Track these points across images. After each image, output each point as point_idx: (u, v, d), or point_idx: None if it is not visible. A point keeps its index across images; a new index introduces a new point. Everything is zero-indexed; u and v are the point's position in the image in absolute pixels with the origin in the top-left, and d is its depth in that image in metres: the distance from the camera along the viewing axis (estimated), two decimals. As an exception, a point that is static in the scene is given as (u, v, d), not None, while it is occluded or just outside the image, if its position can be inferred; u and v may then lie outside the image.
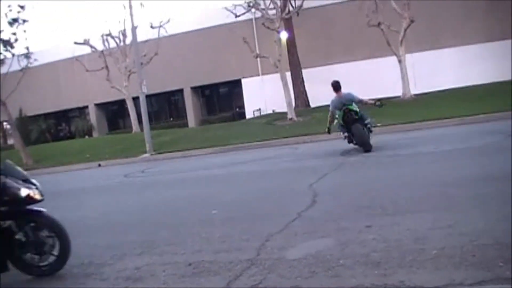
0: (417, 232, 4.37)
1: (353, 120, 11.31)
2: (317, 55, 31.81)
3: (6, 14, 28.15)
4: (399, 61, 24.66)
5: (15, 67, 28.32)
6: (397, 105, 22.75)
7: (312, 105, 29.37)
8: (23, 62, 29.12)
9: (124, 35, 32.56)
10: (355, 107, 11.58)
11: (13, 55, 28.79)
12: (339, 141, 11.91)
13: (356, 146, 11.52)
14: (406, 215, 5.07)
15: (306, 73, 30.05)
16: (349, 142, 11.69)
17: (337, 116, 11.88)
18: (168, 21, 32.86)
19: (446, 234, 4.23)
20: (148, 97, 25.65)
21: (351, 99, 11.76)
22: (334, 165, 9.80)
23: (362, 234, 4.53)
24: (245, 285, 3.68)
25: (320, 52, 32.02)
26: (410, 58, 25.70)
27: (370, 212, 5.37)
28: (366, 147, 11.20)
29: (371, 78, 29.25)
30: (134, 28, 23.38)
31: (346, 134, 11.68)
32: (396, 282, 3.32)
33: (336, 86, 12.12)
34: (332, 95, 12.23)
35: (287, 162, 12.41)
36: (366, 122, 11.54)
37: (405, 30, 24.35)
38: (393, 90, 25.99)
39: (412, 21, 23.94)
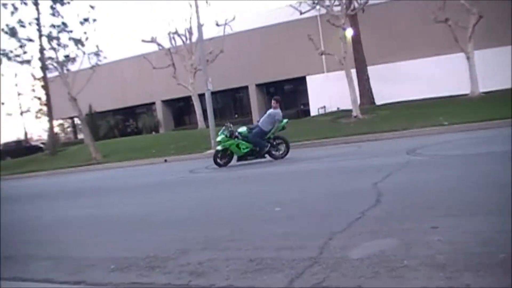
0: (484, 235, 4.24)
1: None
2: (383, 52, 31.36)
3: (78, 14, 29.24)
4: (467, 58, 23.97)
5: (86, 64, 29.33)
6: (464, 104, 22.13)
7: (377, 102, 28.98)
8: (93, 60, 30.16)
9: (190, 33, 33.10)
10: None
11: (84, 53, 29.84)
12: (404, 140, 11.71)
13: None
14: (472, 217, 4.94)
15: (371, 70, 29.68)
16: None
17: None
18: (234, 18, 33.18)
19: (514, 237, 4.10)
20: (213, 94, 25.97)
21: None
22: (399, 164, 9.64)
23: (427, 235, 4.44)
24: (308, 283, 3.68)
25: (385, 49, 31.56)
26: (479, 55, 24.86)
27: (436, 213, 5.25)
28: None
29: (438, 76, 28.60)
30: (200, 26, 23.72)
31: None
32: (462, 285, 3.24)
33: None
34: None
35: (351, 160, 12.30)
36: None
37: (474, 26, 23.62)
38: (460, 88, 25.29)
39: (481, 17, 23.21)
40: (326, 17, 26.69)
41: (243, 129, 14.76)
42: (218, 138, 14.74)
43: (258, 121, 14.93)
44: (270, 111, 14.71)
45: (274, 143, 14.56)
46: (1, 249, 6.20)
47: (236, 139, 14.48)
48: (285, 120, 14.93)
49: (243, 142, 14.40)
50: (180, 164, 18.92)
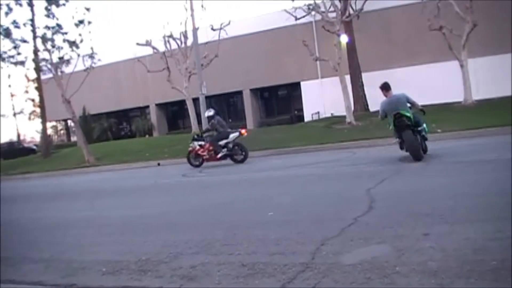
0: (477, 242, 4.26)
1: (405, 126, 10.86)
2: (377, 58, 31.44)
3: (73, 16, 29.18)
4: (461, 66, 24.03)
5: (80, 67, 29.26)
6: (458, 111, 22.20)
7: (371, 109, 29.01)
8: (88, 62, 30.07)
9: (185, 36, 33.08)
10: (407, 111, 11.09)
11: (78, 55, 29.77)
12: (398, 147, 11.71)
13: (407, 153, 11.04)
14: (465, 224, 4.95)
15: (365, 76, 29.71)
16: (401, 148, 11.41)
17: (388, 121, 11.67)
18: (229, 23, 33.16)
19: (506, 245, 4.10)
20: (207, 98, 26.01)
21: (404, 102, 11.31)
22: (392, 170, 9.67)
23: (420, 242, 4.46)
24: (299, 289, 3.69)
25: (380, 55, 31.65)
26: (473, 63, 24.94)
27: (429, 220, 5.27)
28: (416, 157, 10.64)
29: (432, 83, 28.70)
30: (195, 30, 23.76)
31: (398, 139, 11.41)
32: (454, 292, 3.26)
33: (385, 86, 11.97)
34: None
35: (345, 167, 12.32)
36: (420, 128, 11.13)
37: (468, 34, 23.72)
38: (454, 95, 25.37)
39: (475, 25, 23.31)
40: (321, 23, 26.71)
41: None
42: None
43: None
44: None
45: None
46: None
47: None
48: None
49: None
50: (173, 168, 18.88)
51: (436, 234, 4.65)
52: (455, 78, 25.02)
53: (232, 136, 16.31)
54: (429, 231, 4.77)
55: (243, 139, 16.36)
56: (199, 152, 16.62)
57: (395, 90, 11.96)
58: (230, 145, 16.28)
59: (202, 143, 16.69)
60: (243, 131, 16.71)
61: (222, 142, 16.27)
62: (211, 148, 16.42)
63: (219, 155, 16.07)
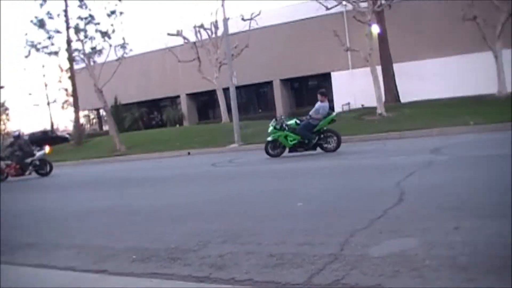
0: (507, 237, 4.19)
1: None
2: (409, 49, 31.07)
3: (105, 7, 29.51)
4: (495, 57, 23.58)
5: (112, 57, 29.59)
6: (491, 103, 21.81)
7: (403, 100, 28.71)
8: (119, 52, 30.42)
9: (216, 27, 33.15)
10: None
11: (110, 45, 30.11)
12: (428, 139, 11.58)
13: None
14: (496, 219, 4.87)
15: (397, 67, 29.38)
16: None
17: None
18: (259, 13, 33.13)
19: (540, 240, 4.04)
20: (238, 88, 26.02)
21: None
22: (423, 163, 9.56)
23: (450, 236, 4.40)
24: (327, 280, 3.68)
25: (411, 46, 31.27)
26: (507, 54, 24.42)
27: (459, 213, 5.20)
28: None
29: (464, 74, 28.25)
30: (225, 20, 23.75)
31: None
32: (484, 288, 3.22)
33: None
34: None
35: (375, 158, 12.23)
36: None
37: (503, 24, 23.24)
38: (487, 87, 24.90)
39: (510, 15, 22.83)
40: (352, 13, 26.48)
41: (291, 121, 15.10)
42: (269, 130, 15.11)
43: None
44: (317, 104, 14.96)
45: (323, 136, 14.66)
46: (21, 238, 6.32)
47: (284, 131, 14.71)
48: (334, 113, 15.26)
49: (291, 134, 14.64)
50: (203, 157, 19.00)
51: (466, 228, 4.59)
52: (489, 69, 24.55)
53: (39, 154, 18.35)
54: (459, 225, 4.70)
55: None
56: (6, 170, 18.01)
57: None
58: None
59: None
60: (47, 149, 19.01)
61: (29, 160, 18.04)
62: (17, 166, 17.97)
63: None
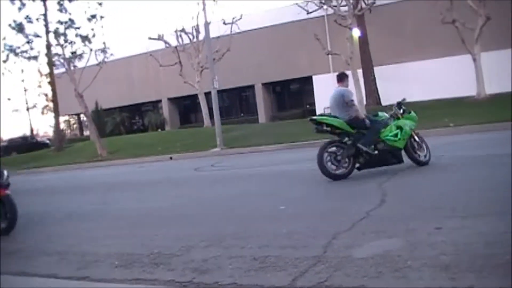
0: (489, 236, 4.23)
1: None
2: (389, 52, 31.25)
3: (85, 11, 29.34)
4: (474, 60, 23.86)
5: (92, 61, 29.40)
6: (470, 105, 22.06)
7: (384, 103, 28.87)
8: (100, 57, 30.23)
9: (197, 31, 33.10)
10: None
11: (91, 50, 29.91)
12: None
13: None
14: (477, 218, 4.93)
15: (377, 70, 29.60)
16: None
17: None
18: (241, 17, 33.14)
19: (519, 239, 4.08)
20: (219, 92, 25.97)
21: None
22: (404, 164, 9.62)
23: (432, 236, 4.44)
24: (311, 282, 3.69)
25: (392, 49, 31.45)
26: (486, 57, 24.72)
27: (440, 213, 5.25)
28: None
29: (444, 77, 28.49)
30: (207, 24, 23.72)
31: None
32: (465, 287, 3.25)
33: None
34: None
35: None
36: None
37: (481, 27, 23.53)
38: (466, 89, 25.19)
39: (488, 19, 23.11)
40: (333, 17, 26.61)
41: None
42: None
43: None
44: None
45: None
46: (2, 244, 6.24)
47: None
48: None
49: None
50: (186, 161, 18.94)
51: (448, 228, 4.63)
52: (468, 72, 24.83)
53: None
54: (441, 225, 4.74)
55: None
56: None
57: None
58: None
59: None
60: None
61: None
62: None
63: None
